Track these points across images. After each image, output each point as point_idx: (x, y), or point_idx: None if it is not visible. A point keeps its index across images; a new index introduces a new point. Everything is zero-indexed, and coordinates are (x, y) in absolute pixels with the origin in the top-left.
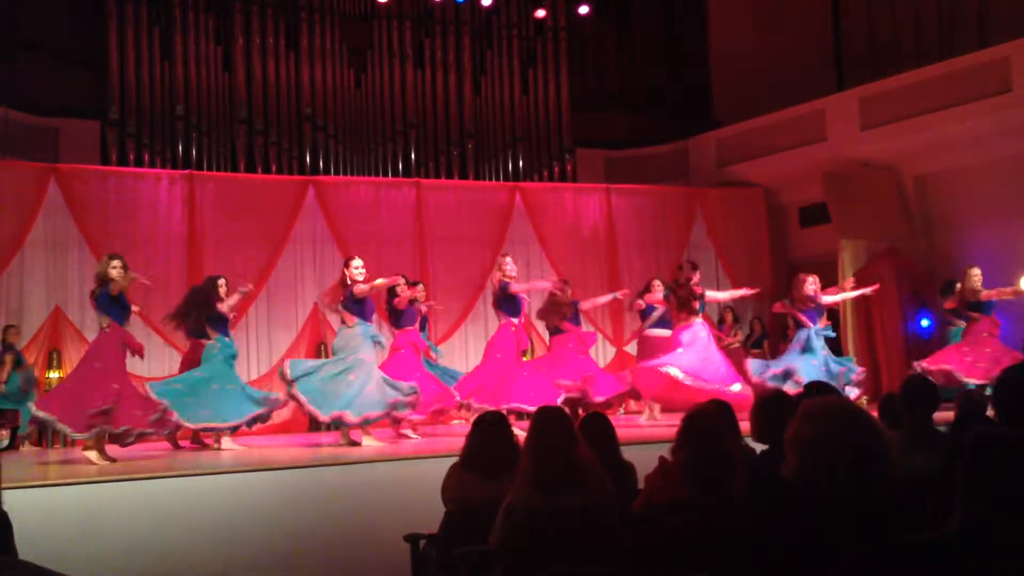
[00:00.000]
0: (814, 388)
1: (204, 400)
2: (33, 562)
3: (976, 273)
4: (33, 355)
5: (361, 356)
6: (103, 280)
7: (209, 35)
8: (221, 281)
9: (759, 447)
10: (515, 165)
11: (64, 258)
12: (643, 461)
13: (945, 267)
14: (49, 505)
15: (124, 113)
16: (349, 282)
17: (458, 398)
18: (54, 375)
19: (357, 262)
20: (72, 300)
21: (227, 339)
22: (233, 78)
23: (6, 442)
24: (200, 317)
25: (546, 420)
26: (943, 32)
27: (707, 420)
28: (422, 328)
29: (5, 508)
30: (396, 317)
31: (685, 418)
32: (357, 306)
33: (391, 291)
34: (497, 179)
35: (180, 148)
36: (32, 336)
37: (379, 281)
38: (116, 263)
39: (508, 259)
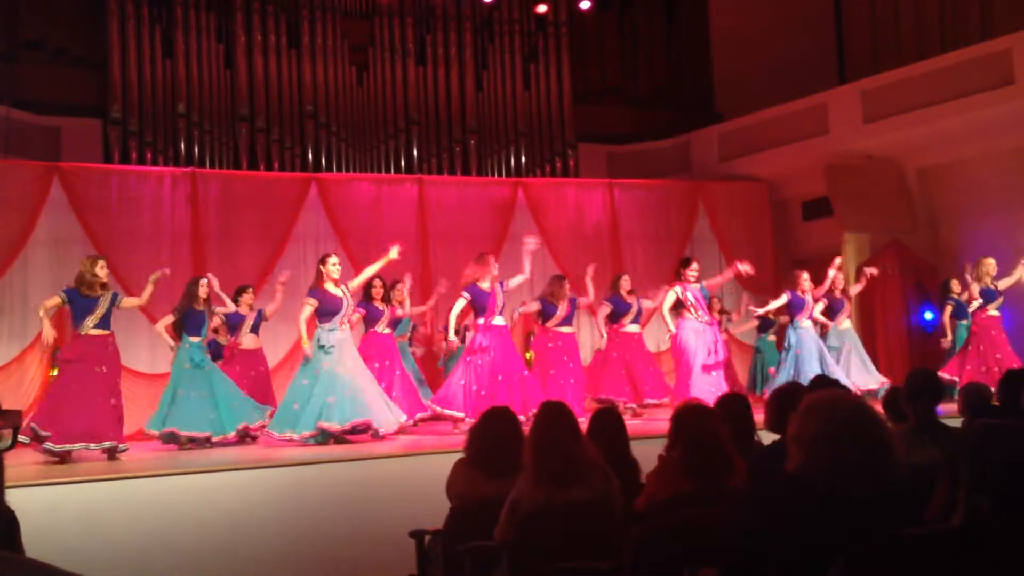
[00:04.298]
0: (818, 383)
1: (177, 408)
2: (38, 560)
3: (991, 263)
4: (37, 354)
5: (318, 367)
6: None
7: (210, 33)
8: (203, 281)
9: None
10: (517, 161)
11: (67, 257)
12: (648, 456)
13: (949, 260)
14: (54, 503)
15: (126, 111)
16: (319, 283)
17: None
18: (58, 373)
19: (333, 259)
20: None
21: (194, 341)
22: (235, 76)
23: (8, 442)
24: (177, 319)
25: (550, 415)
26: (945, 24)
27: (693, 417)
28: (394, 327)
29: (12, 507)
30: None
31: (673, 416)
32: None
33: (367, 291)
34: (499, 175)
35: (182, 146)
36: (36, 335)
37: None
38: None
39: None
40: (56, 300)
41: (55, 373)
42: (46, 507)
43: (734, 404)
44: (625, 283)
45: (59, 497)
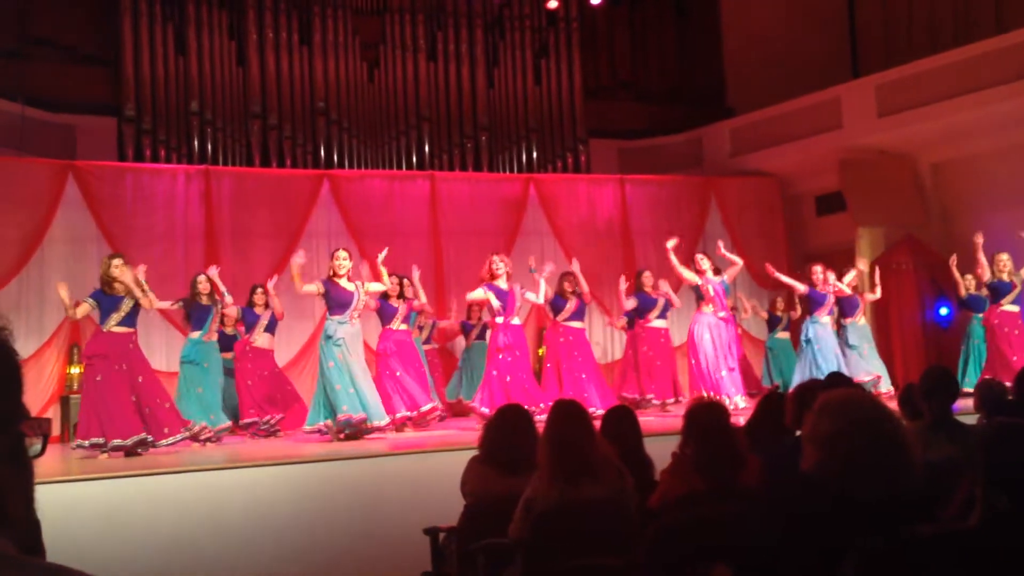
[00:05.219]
0: (833, 380)
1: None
2: (55, 562)
3: (1004, 258)
4: (54, 351)
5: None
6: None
7: (222, 30)
8: (201, 277)
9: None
10: (529, 156)
11: (83, 253)
12: (662, 454)
13: (964, 254)
14: (71, 500)
15: (140, 109)
16: (332, 275)
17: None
18: (75, 370)
19: (341, 254)
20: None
21: (195, 337)
22: (247, 73)
23: (39, 447)
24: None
25: (563, 413)
26: (959, 17)
27: (707, 414)
28: (406, 321)
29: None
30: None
31: (686, 414)
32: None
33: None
34: (511, 171)
35: (196, 143)
36: (52, 332)
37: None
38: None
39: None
40: (86, 308)
41: (73, 370)
42: (63, 504)
43: (773, 400)
44: (647, 279)
45: (76, 494)
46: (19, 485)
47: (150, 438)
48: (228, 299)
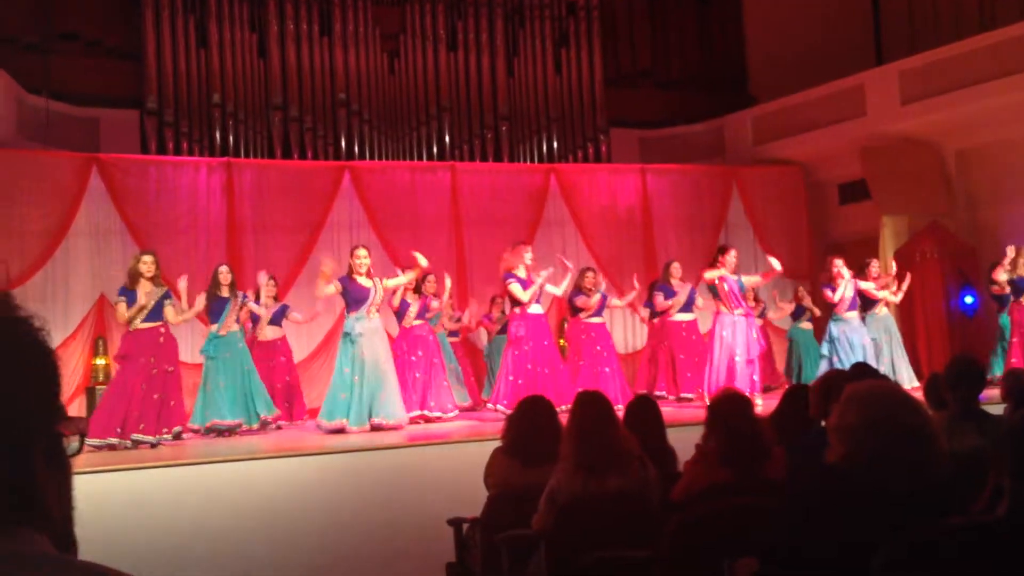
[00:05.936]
0: (858, 371)
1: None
2: (92, 561)
3: None
4: (80, 343)
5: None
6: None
7: (243, 22)
8: (222, 268)
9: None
10: (549, 146)
11: (107, 246)
12: (685, 445)
13: (989, 243)
14: (96, 491)
15: (162, 102)
16: (350, 273)
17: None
18: (100, 361)
19: (360, 251)
20: (116, 288)
21: (212, 330)
22: (268, 65)
23: (76, 446)
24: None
25: (586, 404)
26: (984, 2)
27: (729, 406)
28: (421, 317)
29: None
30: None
31: (709, 406)
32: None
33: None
34: (531, 161)
35: (217, 136)
36: (78, 324)
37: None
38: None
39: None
40: (122, 308)
41: (98, 362)
42: (88, 495)
43: (799, 391)
44: (676, 271)
45: (101, 485)
46: (58, 485)
47: (117, 442)
48: (257, 308)
